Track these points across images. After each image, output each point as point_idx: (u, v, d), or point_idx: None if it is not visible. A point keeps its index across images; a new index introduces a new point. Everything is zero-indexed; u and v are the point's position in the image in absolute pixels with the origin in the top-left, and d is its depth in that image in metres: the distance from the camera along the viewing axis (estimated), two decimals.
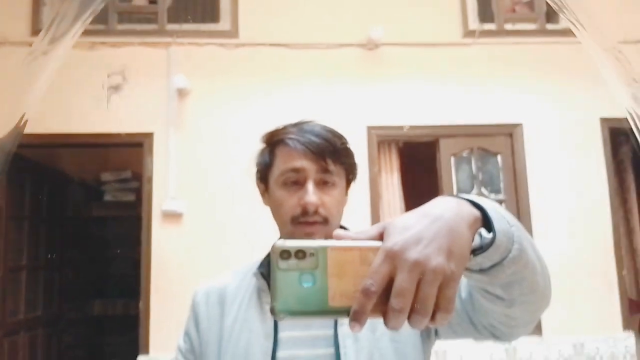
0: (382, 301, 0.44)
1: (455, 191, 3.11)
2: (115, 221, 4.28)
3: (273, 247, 0.45)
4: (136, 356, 2.75)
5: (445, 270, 0.45)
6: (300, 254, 0.45)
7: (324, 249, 0.45)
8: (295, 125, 0.93)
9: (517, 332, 0.75)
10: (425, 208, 0.51)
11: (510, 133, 3.13)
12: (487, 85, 3.12)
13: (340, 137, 0.93)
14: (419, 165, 3.39)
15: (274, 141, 0.93)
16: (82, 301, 4.09)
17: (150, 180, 2.94)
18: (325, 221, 0.88)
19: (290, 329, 0.85)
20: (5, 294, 2.99)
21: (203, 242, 2.82)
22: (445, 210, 0.50)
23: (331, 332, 0.86)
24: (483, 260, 0.54)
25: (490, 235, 0.53)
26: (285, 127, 0.93)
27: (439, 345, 2.79)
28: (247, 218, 2.70)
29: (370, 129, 3.06)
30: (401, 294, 0.44)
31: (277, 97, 2.99)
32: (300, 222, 0.87)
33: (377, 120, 3.08)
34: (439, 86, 3.12)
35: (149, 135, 2.98)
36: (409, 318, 0.45)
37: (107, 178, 4.13)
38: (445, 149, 3.15)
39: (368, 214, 2.98)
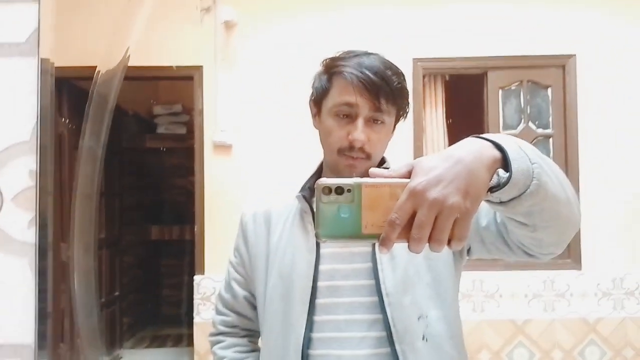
0: (406, 229, 0.53)
1: (501, 125, 3.08)
2: (168, 153, 4.50)
3: (317, 184, 0.55)
4: (192, 276, 2.99)
5: (461, 207, 0.53)
6: (339, 190, 0.54)
7: (359, 185, 0.54)
8: (357, 56, 0.96)
9: (546, 251, 0.82)
10: (450, 150, 0.58)
11: (562, 65, 3.02)
12: (540, 15, 2.99)
13: (398, 74, 0.96)
14: (465, 99, 3.34)
15: (332, 70, 0.96)
16: (140, 226, 4.40)
17: (201, 113, 3.06)
18: (368, 157, 0.94)
19: (331, 245, 0.94)
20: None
21: (251, 171, 2.96)
22: (467, 153, 0.57)
23: (369, 248, 0.95)
24: (501, 195, 0.60)
25: (506, 175, 0.59)
26: (346, 57, 0.96)
27: (477, 275, 2.89)
28: (293, 148, 2.80)
29: (416, 60, 3.02)
30: (420, 226, 0.52)
31: (322, 25, 2.98)
32: (346, 154, 0.94)
33: (423, 52, 3.03)
34: (488, 15, 3.00)
35: (198, 69, 3.07)
36: (429, 243, 0.53)
37: (159, 111, 4.30)
38: (493, 81, 3.08)
39: (411, 148, 3.01)
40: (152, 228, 4.47)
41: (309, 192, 1.00)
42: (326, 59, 0.99)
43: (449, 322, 0.93)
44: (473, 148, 0.58)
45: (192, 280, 2.98)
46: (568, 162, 2.99)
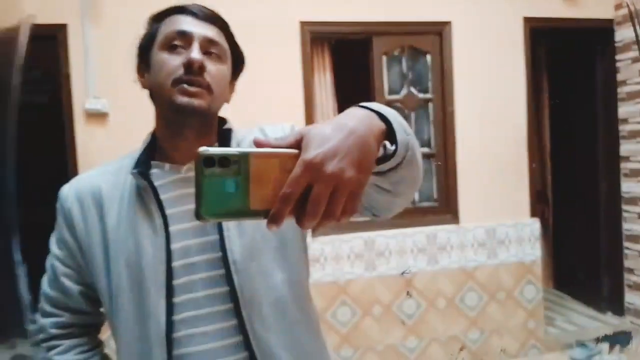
0: (296, 205, 0.49)
1: (386, 91, 3.18)
2: (30, 127, 3.98)
3: (197, 153, 0.47)
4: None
5: (354, 180, 0.51)
6: (224, 161, 0.48)
7: (246, 156, 0.48)
8: (181, 5, 0.90)
9: (395, 212, 0.81)
10: (341, 119, 0.55)
11: (439, 32, 3.17)
12: None
13: (227, 23, 0.92)
14: (351, 65, 3.39)
15: (160, 14, 0.91)
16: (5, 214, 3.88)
17: (68, 77, 2.73)
18: (209, 90, 0.85)
19: (179, 223, 0.86)
20: None
21: (130, 142, 2.71)
22: (358, 123, 0.55)
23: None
24: (383, 165, 0.61)
25: (392, 147, 0.60)
26: (168, 8, 0.91)
27: (369, 236, 3.00)
28: None
29: (303, 24, 2.97)
30: (316, 202, 0.49)
31: None
32: (184, 82, 0.83)
33: (310, 16, 2.99)
34: None
35: (62, 27, 2.71)
36: (323, 217, 0.50)
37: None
38: (378, 47, 3.15)
39: (302, 114, 2.99)
40: (24, 213, 3.96)
41: (144, 166, 0.89)
42: (150, 16, 0.93)
43: (293, 284, 0.90)
44: (362, 118, 0.57)
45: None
46: (446, 125, 3.18)
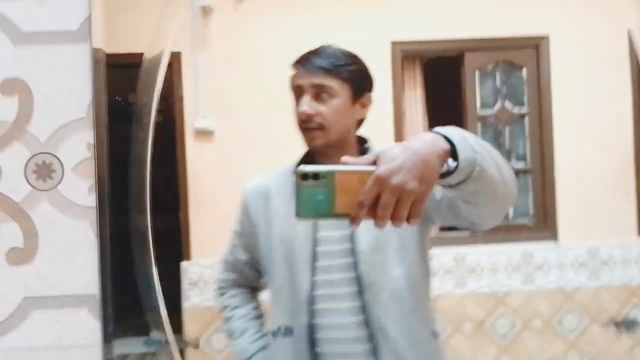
0: (372, 209, 0.65)
1: (478, 105, 3.15)
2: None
3: (297, 171, 0.64)
4: (179, 262, 3.00)
5: (417, 191, 0.65)
6: (316, 176, 0.64)
7: (333, 173, 0.65)
8: (312, 51, 1.12)
9: (486, 222, 0.97)
10: (409, 142, 0.70)
11: (536, 45, 3.10)
12: None
13: (347, 55, 1.12)
14: (443, 81, 3.40)
15: (293, 64, 1.14)
16: (125, 218, 4.36)
17: (181, 99, 3.05)
18: (322, 127, 1.08)
19: None
20: None
21: (234, 157, 2.96)
22: (422, 145, 0.69)
23: None
24: (450, 180, 0.74)
25: (454, 164, 0.72)
26: (304, 54, 1.12)
27: (458, 251, 2.97)
28: (274, 132, 2.81)
29: (394, 44, 3.06)
30: (384, 207, 0.64)
31: (298, 12, 2.98)
32: (301, 128, 1.10)
33: (401, 35, 3.07)
34: None
35: (176, 55, 3.05)
36: (391, 220, 0.65)
37: (135, 100, 4.24)
38: (470, 63, 3.14)
39: (391, 130, 3.06)
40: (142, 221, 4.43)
41: None
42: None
43: (410, 278, 1.08)
44: (427, 141, 0.70)
45: (179, 268, 2.99)
46: (544, 139, 3.09)
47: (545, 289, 2.99)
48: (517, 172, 3.17)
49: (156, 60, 0.75)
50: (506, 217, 3.13)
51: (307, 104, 1.07)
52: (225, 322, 1.28)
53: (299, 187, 0.64)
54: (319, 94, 1.08)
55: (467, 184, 0.75)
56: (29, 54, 0.62)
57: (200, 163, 3.02)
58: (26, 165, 0.60)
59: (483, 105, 3.17)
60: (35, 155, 0.60)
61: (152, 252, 0.75)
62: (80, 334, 0.60)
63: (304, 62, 1.10)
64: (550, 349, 2.98)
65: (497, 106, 3.17)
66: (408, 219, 0.65)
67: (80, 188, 0.62)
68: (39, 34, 0.62)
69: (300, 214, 0.65)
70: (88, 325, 0.60)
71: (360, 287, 1.06)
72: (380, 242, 1.06)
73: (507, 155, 3.15)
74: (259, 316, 1.28)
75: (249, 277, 1.26)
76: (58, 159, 0.61)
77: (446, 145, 0.71)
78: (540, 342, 2.99)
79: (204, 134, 3.03)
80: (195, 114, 3.03)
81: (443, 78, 3.39)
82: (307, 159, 1.17)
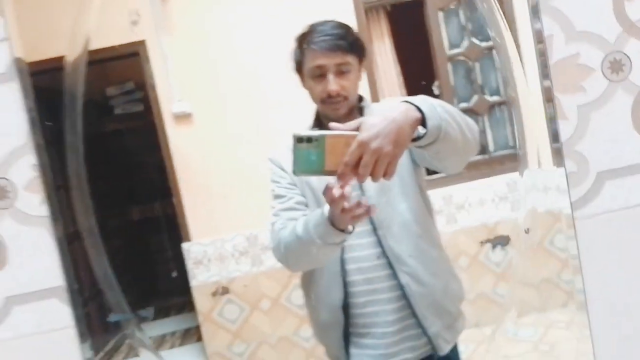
0: (355, 168, 0.79)
1: (446, 46, 3.18)
2: (131, 132, 4.49)
3: (293, 135, 0.79)
4: (180, 245, 3.11)
5: (391, 154, 0.81)
6: (309, 139, 0.78)
7: (323, 137, 0.79)
8: (318, 26, 1.24)
9: (452, 170, 1.17)
10: (387, 113, 0.84)
11: None
12: None
13: (349, 29, 1.26)
14: (409, 27, 3.41)
15: (303, 45, 1.26)
16: (120, 210, 4.46)
17: (153, 87, 3.08)
18: (345, 99, 1.24)
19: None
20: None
21: (216, 136, 3.02)
22: (397, 115, 0.85)
23: None
24: (419, 143, 0.91)
25: (424, 130, 0.89)
26: (310, 31, 1.25)
27: (446, 191, 3.07)
28: (254, 108, 2.86)
29: None
30: (365, 166, 0.80)
31: None
32: (327, 103, 1.24)
33: None
34: None
35: (141, 43, 3.05)
36: (370, 176, 0.81)
37: (112, 92, 4.25)
38: (432, 4, 3.15)
39: (365, 82, 3.10)
40: (133, 209, 4.53)
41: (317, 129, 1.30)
42: (297, 36, 1.28)
43: (413, 210, 1.26)
44: (402, 111, 0.86)
45: (181, 250, 3.10)
46: (512, 69, 3.12)
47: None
48: (493, 106, 3.24)
49: (78, 61, 0.84)
50: (487, 151, 3.22)
51: (334, 82, 1.21)
52: (294, 238, 1.25)
53: (295, 148, 0.78)
54: (341, 71, 1.22)
55: (434, 145, 0.92)
56: None
57: (183, 146, 3.08)
58: None
59: (451, 46, 3.20)
60: None
61: (103, 248, 0.86)
62: (55, 318, 0.73)
63: (318, 42, 1.21)
64: (545, 268, 3.13)
65: (465, 43, 3.20)
66: (384, 175, 0.81)
67: (33, 202, 0.74)
68: None
69: (296, 171, 0.79)
70: (60, 311, 0.73)
71: (373, 225, 1.24)
72: (384, 186, 1.21)
73: (481, 90, 3.21)
74: None
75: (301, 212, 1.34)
76: (10, 182, 0.73)
77: (417, 114, 0.87)
78: (533, 263, 3.13)
79: (183, 117, 3.07)
80: (171, 98, 3.06)
81: (409, 24, 3.40)
82: (319, 119, 1.32)
